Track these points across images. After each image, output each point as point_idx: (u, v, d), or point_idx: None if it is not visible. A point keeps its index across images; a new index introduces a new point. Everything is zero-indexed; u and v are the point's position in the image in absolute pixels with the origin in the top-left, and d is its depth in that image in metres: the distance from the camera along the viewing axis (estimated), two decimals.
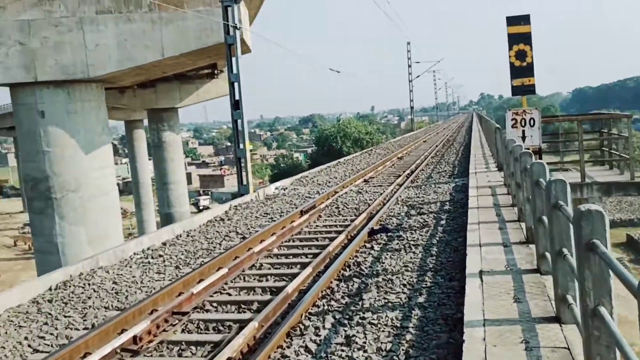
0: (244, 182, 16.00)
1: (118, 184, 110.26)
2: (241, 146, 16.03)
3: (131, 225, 65.29)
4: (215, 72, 48.44)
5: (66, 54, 17.86)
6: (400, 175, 19.64)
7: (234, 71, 15.96)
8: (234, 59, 16.02)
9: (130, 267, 9.17)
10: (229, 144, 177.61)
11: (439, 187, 15.58)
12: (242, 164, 15.97)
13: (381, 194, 15.18)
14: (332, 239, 10.07)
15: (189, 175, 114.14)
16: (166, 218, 46.17)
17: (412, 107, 67.90)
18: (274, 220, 12.07)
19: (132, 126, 62.22)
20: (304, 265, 8.44)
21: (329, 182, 18.59)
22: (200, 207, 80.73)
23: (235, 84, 16.02)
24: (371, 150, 33.02)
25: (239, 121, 15.99)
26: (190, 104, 48.23)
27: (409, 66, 63.96)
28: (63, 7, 17.76)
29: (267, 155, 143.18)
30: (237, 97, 16.04)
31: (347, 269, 8.18)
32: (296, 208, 13.35)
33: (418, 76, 66.42)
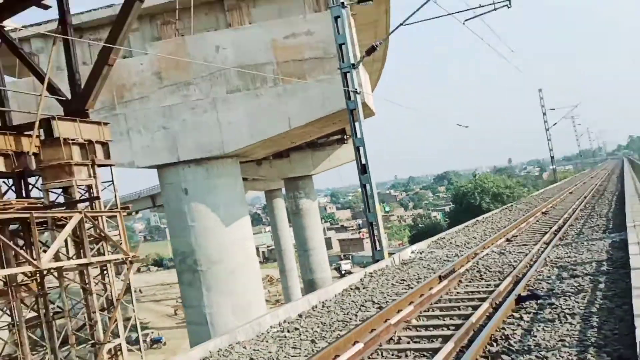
0: (378, 247, 15.48)
1: (263, 252, 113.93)
2: (372, 210, 15.62)
3: (277, 292, 66.73)
4: (345, 137, 49.54)
5: (203, 133, 18.85)
6: (546, 232, 18.01)
7: (358, 135, 15.80)
8: (357, 124, 15.88)
9: (267, 341, 8.91)
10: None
11: (593, 245, 13.94)
12: (375, 229, 15.51)
13: (527, 254, 13.87)
14: (474, 308, 9.15)
15: (328, 240, 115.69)
16: (309, 284, 46.60)
17: (552, 157, 64.00)
18: (411, 288, 11.35)
19: (271, 195, 64.76)
20: (445, 339, 7.66)
21: (468, 243, 17.48)
22: (343, 272, 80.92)
23: (361, 148, 15.82)
24: (511, 205, 31.09)
25: (367, 185, 15.67)
26: (322, 171, 49.29)
27: (544, 114, 60.82)
28: (198, 91, 18.89)
29: (404, 216, 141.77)
30: (363, 161, 15.81)
31: (494, 344, 7.26)
32: (434, 273, 12.53)
33: (555, 124, 62.95)
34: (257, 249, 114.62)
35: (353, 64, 15.76)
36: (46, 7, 12.78)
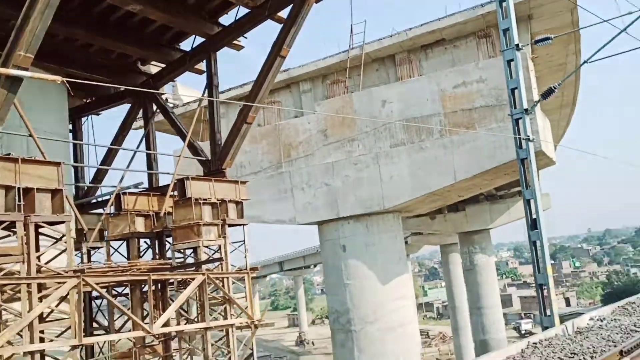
0: (547, 313, 13.60)
1: (437, 307, 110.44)
2: (542, 271, 13.87)
3: (450, 350, 63.79)
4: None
5: (364, 189, 18.56)
6: None
7: (529, 187, 14.28)
8: (533, 175, 14.40)
9: None
10: (552, 261, 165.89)
11: None
12: (545, 292, 13.71)
13: None
14: None
15: (508, 297, 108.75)
16: (481, 345, 43.64)
17: None
18: None
19: (446, 250, 62.90)
20: None
21: None
22: (522, 332, 75.19)
23: (532, 201, 14.26)
24: None
25: (538, 242, 13.99)
26: (501, 224, 46.63)
27: None
28: (361, 146, 18.75)
29: (597, 272, 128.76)
30: (534, 216, 14.21)
31: None
32: (614, 347, 10.55)
33: None
34: (432, 305, 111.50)
35: (526, 110, 14.45)
36: (200, 72, 13.53)
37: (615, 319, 13.99)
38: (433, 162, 17.86)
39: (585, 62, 14.20)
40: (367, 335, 18.04)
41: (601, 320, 14.03)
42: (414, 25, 19.33)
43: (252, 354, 12.08)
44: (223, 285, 11.54)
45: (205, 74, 13.62)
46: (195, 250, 11.94)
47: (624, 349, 9.95)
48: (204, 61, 13.64)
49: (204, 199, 11.88)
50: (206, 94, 13.41)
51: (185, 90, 21.15)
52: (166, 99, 15.24)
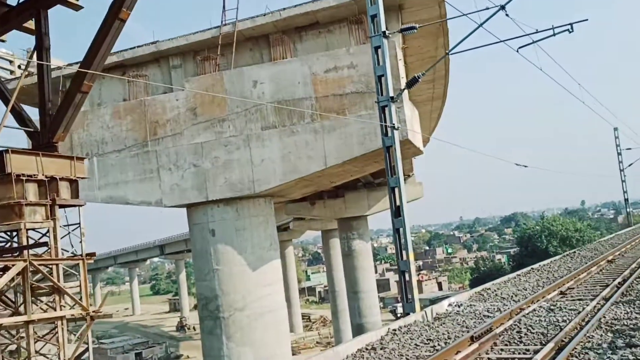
0: (409, 299, 13.97)
1: (319, 292, 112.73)
2: (404, 257, 14.20)
3: (330, 334, 65.19)
4: (405, 176, 48.18)
5: (234, 172, 18.11)
6: (608, 285, 16.04)
7: (393, 175, 14.52)
8: (398, 163, 14.61)
9: None
10: (427, 248, 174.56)
11: None
12: (407, 278, 14.06)
13: (579, 312, 12.11)
14: None
15: (386, 282, 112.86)
16: (358, 328, 44.84)
17: (626, 200, 60.23)
18: (436, 350, 9.90)
19: (328, 235, 64.12)
20: None
21: (516, 296, 15.72)
22: (398, 315, 78.45)
23: (396, 189, 14.53)
24: (574, 252, 28.63)
25: (401, 230, 14.30)
26: (378, 211, 47.91)
27: (619, 154, 57.48)
28: (232, 127, 18.24)
29: (467, 258, 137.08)
30: (397, 203, 14.49)
31: None
32: (467, 332, 11.01)
33: (631, 164, 59.12)
34: (315, 289, 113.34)
35: (392, 97, 14.62)
36: (32, 32, 12.03)
37: (471, 305, 14.65)
38: (304, 147, 17.76)
39: (447, 53, 14.66)
40: (236, 322, 17.68)
41: (459, 306, 14.64)
42: (290, 5, 19.07)
43: (87, 349, 11.02)
44: (51, 274, 10.44)
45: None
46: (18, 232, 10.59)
47: (474, 335, 10.33)
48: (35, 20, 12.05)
49: (29, 176, 10.58)
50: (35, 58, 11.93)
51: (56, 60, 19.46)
52: None
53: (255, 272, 18.39)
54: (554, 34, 13.96)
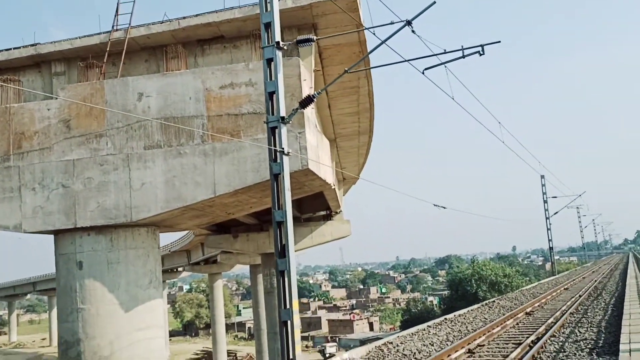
0: (290, 357, 11.74)
1: (249, 327, 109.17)
2: (287, 305, 12.01)
3: None
4: (331, 213, 46.51)
5: (109, 196, 15.63)
6: (520, 343, 14.32)
7: (279, 208, 12.42)
8: (286, 194, 12.55)
9: None
10: (362, 286, 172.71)
11: None
12: (289, 331, 11.87)
13: None
14: None
15: (317, 320, 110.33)
16: None
17: (551, 248, 60.61)
18: None
19: (255, 270, 61.72)
20: None
21: (419, 353, 13.75)
22: (327, 355, 76.07)
23: (283, 225, 12.44)
24: (493, 301, 27.19)
25: (286, 272, 12.17)
26: (303, 248, 45.81)
27: (545, 202, 57.84)
28: (111, 144, 15.84)
29: (400, 298, 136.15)
30: (283, 242, 12.40)
31: None
32: None
33: (556, 212, 59.62)
34: (244, 325, 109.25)
35: (282, 117, 12.62)
36: None
37: None
38: (192, 171, 15.52)
39: (346, 71, 12.84)
40: None
41: None
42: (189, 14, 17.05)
43: None
44: None
45: None
46: None
47: None
48: None
49: None
50: None
51: None
52: None
53: (128, 314, 15.79)
54: (464, 56, 12.38)
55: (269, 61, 12.73)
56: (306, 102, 12.84)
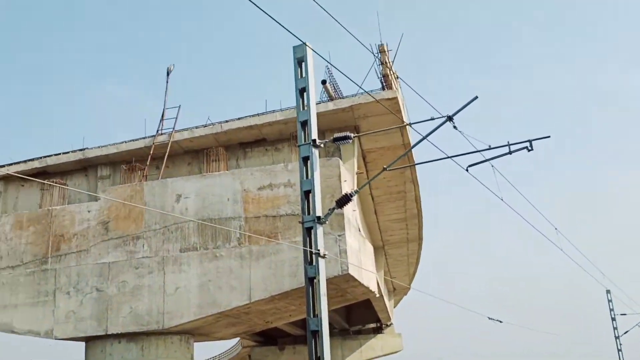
0: None
1: None
2: None
3: None
4: (382, 325, 44.47)
5: (142, 300, 15.08)
6: None
7: (314, 315, 11.46)
8: (322, 300, 11.65)
9: None
10: None
11: None
12: None
13: None
14: None
15: None
16: None
17: None
18: None
19: None
20: None
21: None
22: None
23: (317, 336, 11.42)
24: None
25: None
26: None
27: (613, 319, 53.58)
28: (147, 246, 15.52)
29: None
30: (317, 354, 11.33)
31: None
32: None
33: (627, 332, 55.02)
34: None
35: (318, 217, 12.01)
36: None
37: None
38: (227, 274, 14.89)
39: (384, 169, 12.26)
40: None
41: None
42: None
43: None
44: None
45: None
46: None
47: None
48: None
49: None
50: None
51: None
52: None
53: None
54: (510, 152, 11.62)
55: (305, 159, 12.34)
56: (343, 201, 12.22)
